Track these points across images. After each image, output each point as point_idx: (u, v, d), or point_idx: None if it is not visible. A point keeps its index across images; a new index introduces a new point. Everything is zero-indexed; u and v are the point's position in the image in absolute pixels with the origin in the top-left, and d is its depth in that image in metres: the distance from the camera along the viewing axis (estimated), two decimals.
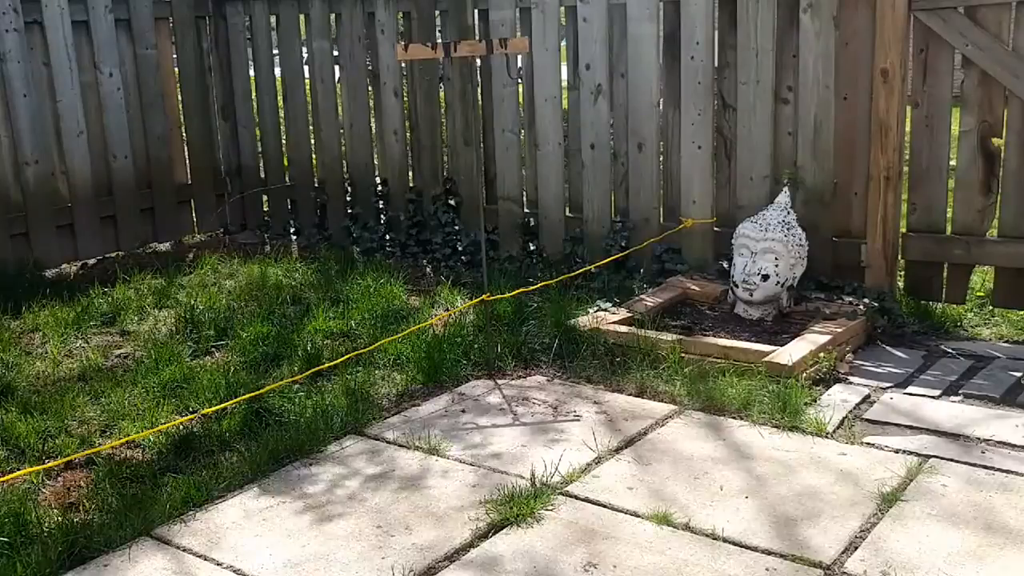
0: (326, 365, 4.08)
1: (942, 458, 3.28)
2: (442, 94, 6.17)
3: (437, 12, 5.98)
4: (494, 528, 2.95)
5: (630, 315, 4.60)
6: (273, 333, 4.59)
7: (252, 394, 3.74)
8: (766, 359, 3.98)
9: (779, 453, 3.38)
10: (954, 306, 4.72)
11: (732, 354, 4.10)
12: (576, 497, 3.13)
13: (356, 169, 6.52)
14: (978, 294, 4.83)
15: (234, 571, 2.80)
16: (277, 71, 6.90)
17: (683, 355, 4.13)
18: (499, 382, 4.13)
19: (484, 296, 4.41)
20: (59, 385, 4.16)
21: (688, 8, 5.03)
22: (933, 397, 3.82)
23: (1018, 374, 4.00)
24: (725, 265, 4.99)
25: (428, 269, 5.90)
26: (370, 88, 6.39)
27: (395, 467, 3.39)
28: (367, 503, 3.15)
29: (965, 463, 3.25)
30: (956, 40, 4.43)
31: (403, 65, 6.12)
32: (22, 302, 5.24)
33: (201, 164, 6.92)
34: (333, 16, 6.37)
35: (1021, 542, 2.78)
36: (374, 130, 6.50)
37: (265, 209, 7.09)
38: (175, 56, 6.86)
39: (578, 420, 3.72)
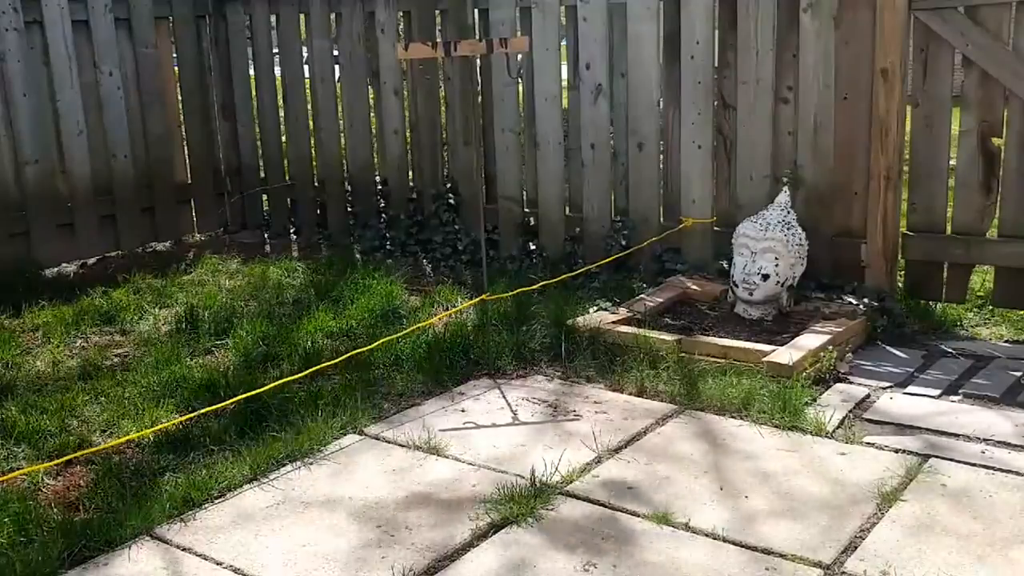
0: (326, 365, 4.07)
1: (942, 458, 3.28)
2: (442, 93, 6.17)
3: (437, 11, 5.98)
4: (494, 528, 2.95)
5: (630, 315, 4.60)
6: (273, 332, 4.59)
7: (251, 393, 3.74)
8: (766, 359, 3.98)
9: (779, 453, 3.38)
10: (954, 306, 4.72)
11: (732, 354, 4.10)
12: (576, 497, 3.13)
13: (356, 168, 6.52)
14: (978, 294, 4.83)
15: (234, 570, 2.80)
16: (277, 70, 6.90)
17: (683, 355, 4.13)
18: (499, 382, 4.13)
19: (484, 296, 4.41)
20: (59, 385, 4.16)
21: (688, 8, 5.03)
22: (933, 397, 3.82)
23: (1018, 374, 4.00)
24: (725, 265, 4.99)
25: (428, 268, 5.90)
26: (370, 87, 6.39)
27: (395, 467, 3.39)
28: (367, 503, 3.15)
29: (965, 463, 3.25)
30: (956, 40, 4.43)
31: (403, 64, 6.12)
32: (22, 301, 5.23)
33: (201, 163, 6.93)
34: (333, 15, 6.37)
35: (1021, 542, 2.78)
36: (374, 129, 6.50)
37: (265, 208, 7.09)
38: (175, 56, 6.86)
39: (578, 420, 3.72)
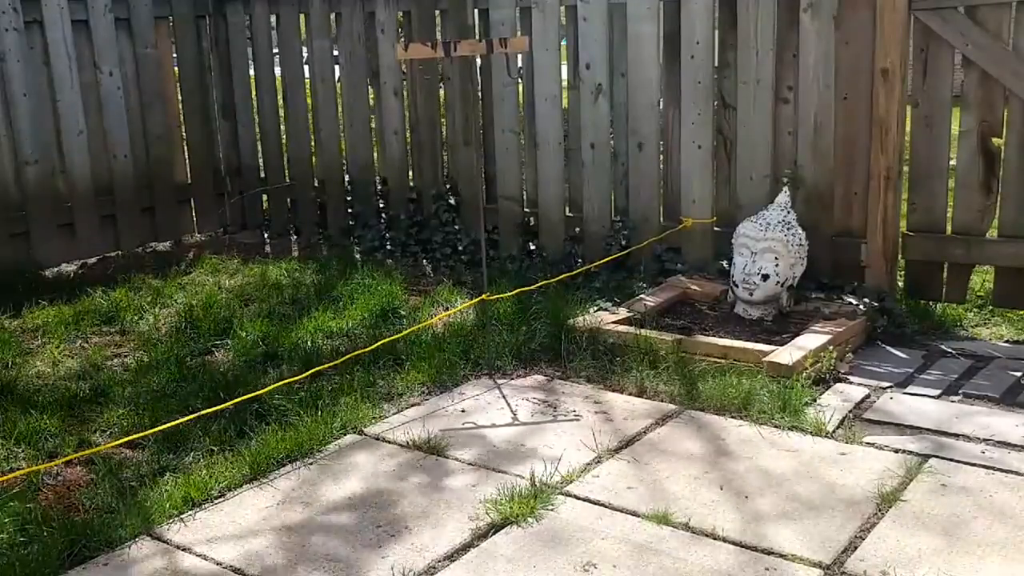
0: (326, 365, 4.07)
1: (942, 458, 3.28)
2: (442, 93, 6.17)
3: (437, 11, 5.98)
4: (494, 528, 2.95)
5: (630, 315, 4.60)
6: (273, 333, 4.59)
7: (252, 394, 3.74)
8: (766, 359, 3.98)
9: (779, 453, 3.38)
10: (954, 306, 4.72)
11: (732, 354, 4.10)
12: (576, 497, 3.13)
13: (356, 168, 6.52)
14: (978, 294, 4.83)
15: (234, 570, 2.80)
16: (277, 70, 6.90)
17: (683, 355, 4.13)
18: (499, 382, 4.13)
19: (484, 296, 4.41)
20: (59, 385, 4.16)
21: (688, 8, 5.03)
22: (933, 397, 3.82)
23: (1018, 374, 4.00)
24: (725, 265, 4.99)
25: (428, 269, 5.91)
26: (370, 87, 6.39)
27: (395, 466, 3.39)
28: (367, 502, 3.15)
29: (965, 463, 3.25)
30: (956, 40, 4.43)
31: (403, 65, 6.12)
32: (22, 302, 5.24)
33: (201, 164, 6.93)
34: (333, 15, 6.37)
35: (1021, 542, 2.78)
36: (374, 129, 6.50)
37: (265, 209, 7.09)
38: (175, 56, 6.86)
39: (578, 420, 3.72)
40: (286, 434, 3.56)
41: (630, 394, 3.94)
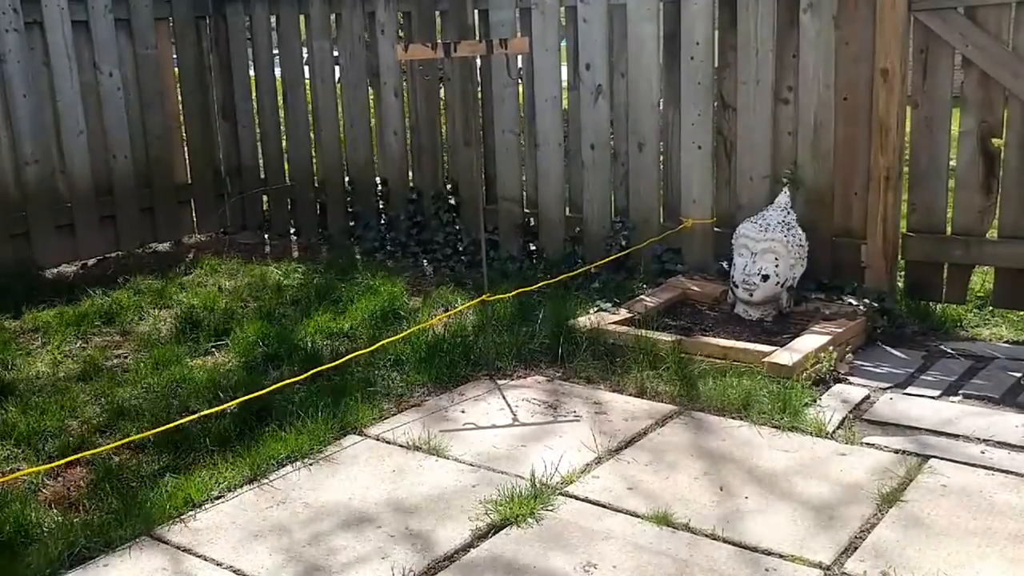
0: (326, 366, 4.07)
1: (942, 458, 3.28)
2: (442, 94, 6.17)
3: (437, 12, 5.98)
4: (494, 528, 2.95)
5: (630, 315, 4.60)
6: (273, 333, 4.59)
7: (252, 395, 3.73)
8: (766, 359, 3.98)
9: (779, 453, 3.38)
10: (954, 306, 4.72)
11: (732, 354, 4.10)
12: (576, 497, 3.13)
13: (356, 169, 6.52)
14: (978, 294, 4.83)
15: (234, 571, 2.80)
16: (277, 71, 6.90)
17: (683, 355, 4.13)
18: (499, 382, 4.13)
19: (484, 296, 4.40)
20: (59, 385, 4.16)
21: (688, 8, 5.03)
22: (933, 397, 3.82)
23: (1018, 374, 4.01)
24: (725, 265, 4.99)
25: (428, 269, 5.91)
26: (370, 88, 6.39)
27: (395, 467, 3.39)
28: (367, 503, 3.15)
29: (965, 463, 3.25)
30: (956, 40, 4.43)
31: (403, 65, 6.12)
32: (22, 302, 5.24)
33: (201, 164, 6.93)
34: (333, 16, 6.37)
35: (1021, 542, 2.78)
36: (374, 130, 6.51)
37: (265, 209, 7.10)
38: (175, 56, 6.87)
39: (578, 420, 3.72)
40: (286, 435, 3.56)
41: (630, 395, 3.94)
